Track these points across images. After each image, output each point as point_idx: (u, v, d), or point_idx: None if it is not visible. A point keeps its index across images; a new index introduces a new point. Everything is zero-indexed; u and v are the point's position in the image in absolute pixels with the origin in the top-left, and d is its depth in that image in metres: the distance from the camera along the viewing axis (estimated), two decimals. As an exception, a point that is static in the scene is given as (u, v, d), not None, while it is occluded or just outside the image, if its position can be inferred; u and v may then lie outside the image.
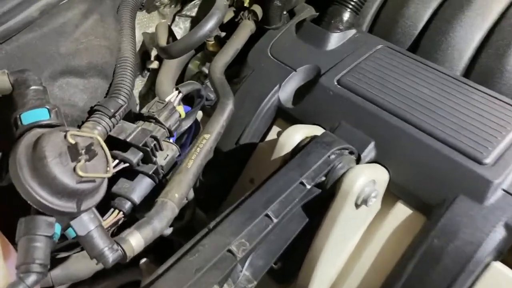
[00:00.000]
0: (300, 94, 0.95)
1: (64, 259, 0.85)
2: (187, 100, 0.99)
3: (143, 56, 1.10)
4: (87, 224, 0.57)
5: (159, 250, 0.92)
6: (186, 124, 0.89)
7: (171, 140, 0.80)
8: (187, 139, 0.93)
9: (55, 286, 0.85)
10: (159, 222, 0.65)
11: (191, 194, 0.97)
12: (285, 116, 0.94)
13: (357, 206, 0.77)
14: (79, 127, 0.67)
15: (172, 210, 0.67)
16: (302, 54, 0.97)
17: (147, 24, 1.12)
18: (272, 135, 0.96)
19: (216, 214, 1.03)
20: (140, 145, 0.67)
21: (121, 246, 0.60)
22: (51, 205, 0.52)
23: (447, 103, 0.82)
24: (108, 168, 0.57)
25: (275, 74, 0.96)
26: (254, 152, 0.96)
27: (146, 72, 1.12)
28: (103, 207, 0.73)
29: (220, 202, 1.01)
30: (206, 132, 0.80)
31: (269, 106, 0.94)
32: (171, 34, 1.06)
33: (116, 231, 0.88)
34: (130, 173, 0.74)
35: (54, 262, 0.84)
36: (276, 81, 0.95)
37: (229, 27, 1.08)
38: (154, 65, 1.09)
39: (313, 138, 0.81)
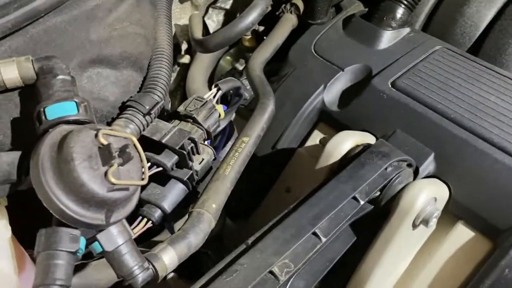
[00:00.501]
0: (346, 96, 0.86)
1: (82, 266, 0.77)
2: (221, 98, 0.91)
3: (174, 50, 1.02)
4: (116, 238, 0.49)
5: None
6: (222, 125, 0.81)
7: (206, 143, 0.71)
8: (220, 141, 0.85)
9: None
10: (195, 237, 0.56)
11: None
12: (329, 120, 0.85)
13: (414, 226, 0.68)
14: (109, 124, 0.59)
15: (209, 222, 0.59)
16: (350, 52, 0.88)
17: (179, 15, 1.05)
18: (313, 141, 0.87)
19: (248, 224, 0.96)
20: (177, 147, 0.59)
21: (152, 264, 0.51)
22: (76, 216, 0.44)
23: (519, 114, 0.73)
24: (143, 175, 0.49)
25: (319, 73, 0.87)
26: (292, 159, 0.87)
27: (176, 66, 1.04)
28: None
29: (252, 211, 0.93)
30: (245, 135, 0.72)
31: (312, 109, 0.86)
32: (204, 27, 0.98)
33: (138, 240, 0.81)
34: (161, 177, 0.66)
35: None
36: (320, 81, 0.86)
37: (268, 21, 0.99)
38: (185, 59, 1.01)
39: (366, 147, 0.72)
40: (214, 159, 0.72)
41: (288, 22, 0.95)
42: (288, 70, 0.91)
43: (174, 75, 1.05)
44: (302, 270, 0.70)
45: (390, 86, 0.80)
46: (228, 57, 1.10)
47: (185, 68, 1.03)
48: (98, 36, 0.57)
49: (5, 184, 0.48)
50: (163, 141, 0.59)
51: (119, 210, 0.48)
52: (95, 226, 0.46)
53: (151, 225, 0.64)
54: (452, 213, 0.72)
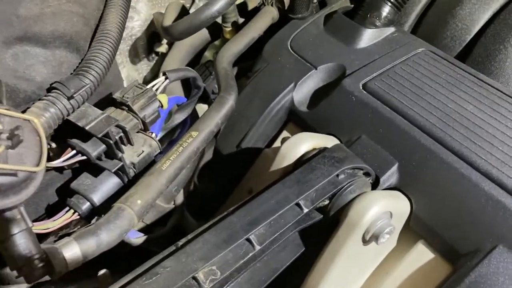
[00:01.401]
0: (318, 97, 0.80)
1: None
2: (188, 91, 0.86)
3: (152, 38, 0.98)
4: (9, 226, 0.45)
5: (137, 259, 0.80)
6: (179, 118, 0.77)
7: (153, 135, 0.67)
8: (179, 134, 0.80)
9: (11, 282, 0.74)
10: (108, 234, 0.52)
11: (180, 199, 0.85)
12: (297, 121, 0.80)
13: (365, 241, 0.61)
14: (32, 106, 0.56)
15: (129, 219, 0.55)
16: (327, 50, 0.82)
17: (162, 3, 1.01)
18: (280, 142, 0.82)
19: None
20: (99, 135, 0.54)
21: (50, 259, 0.47)
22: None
23: (497, 127, 0.65)
24: (40, 161, 0.45)
25: (291, 70, 0.81)
26: (257, 159, 0.82)
27: (153, 55, 1.00)
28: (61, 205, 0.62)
29: (215, 212, 0.88)
30: (194, 129, 0.67)
31: (280, 107, 0.80)
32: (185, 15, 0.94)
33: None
34: (94, 168, 0.62)
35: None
36: (291, 78, 0.80)
37: (250, 13, 0.94)
38: (163, 48, 0.98)
39: (322, 150, 0.66)
40: (160, 153, 0.67)
41: (268, 15, 0.90)
42: (261, 66, 0.86)
43: (151, 64, 1.01)
44: (241, 279, 0.65)
45: (361, 88, 0.74)
46: (213, 49, 1.06)
47: (163, 57, 0.99)
48: (27, 11, 0.54)
49: None
50: (87, 127, 0.55)
51: (9, 196, 0.44)
52: (-23, 212, 0.43)
53: (78, 217, 0.60)
54: (413, 230, 0.65)
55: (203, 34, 0.97)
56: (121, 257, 0.77)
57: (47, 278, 0.65)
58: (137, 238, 0.71)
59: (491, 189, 0.59)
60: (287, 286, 0.69)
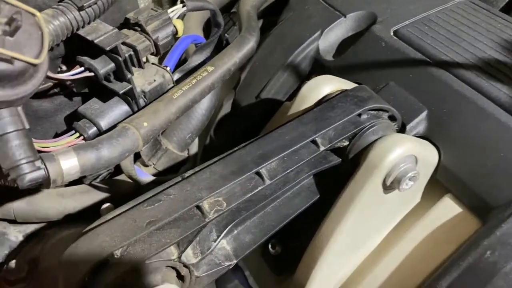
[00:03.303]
0: (345, 47, 0.75)
1: (32, 192, 0.73)
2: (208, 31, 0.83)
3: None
4: (4, 123, 0.43)
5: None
6: (197, 60, 0.73)
7: (168, 68, 0.64)
8: (197, 79, 0.77)
9: (18, 219, 0.73)
10: (109, 149, 0.49)
11: (194, 149, 0.81)
12: (321, 72, 0.75)
13: (385, 187, 0.56)
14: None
15: (133, 140, 0.51)
16: (358, -2, 0.77)
17: None
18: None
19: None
20: (108, 48, 0.52)
21: (45, 164, 0.45)
22: None
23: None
24: (40, 54, 0.43)
25: (318, 18, 0.77)
26: (277, 112, 0.78)
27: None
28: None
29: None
30: (210, 64, 0.64)
31: (305, 56, 0.76)
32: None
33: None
34: (104, 94, 0.59)
35: (20, 193, 0.72)
36: (318, 26, 0.76)
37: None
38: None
39: (343, 91, 0.61)
40: (173, 87, 0.64)
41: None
42: (287, 15, 0.81)
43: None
44: (250, 223, 0.61)
45: (392, 34, 0.69)
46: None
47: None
48: None
49: None
50: (96, 41, 0.52)
51: (4, 88, 0.42)
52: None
53: (83, 141, 0.57)
54: (439, 184, 0.59)
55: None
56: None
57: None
58: (145, 177, 0.69)
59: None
60: (299, 234, 0.65)
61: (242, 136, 0.80)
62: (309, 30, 0.76)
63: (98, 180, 0.77)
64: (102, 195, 0.76)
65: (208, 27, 0.90)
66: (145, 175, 0.69)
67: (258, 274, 0.75)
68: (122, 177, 0.78)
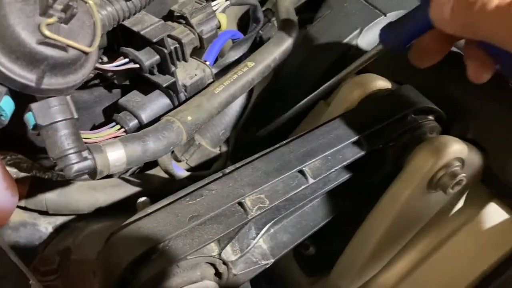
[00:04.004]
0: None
1: (64, 184, 0.73)
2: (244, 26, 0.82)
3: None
4: (54, 112, 0.42)
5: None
6: (234, 56, 0.73)
7: (207, 63, 0.63)
8: (232, 74, 0.76)
9: (49, 211, 0.73)
10: (155, 142, 0.49)
11: (226, 146, 0.80)
12: (362, 70, 0.74)
13: (430, 190, 0.55)
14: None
15: (177, 133, 0.51)
16: (398, -3, 0.76)
17: None
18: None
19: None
20: (154, 40, 0.51)
21: (93, 155, 0.44)
22: (-2, 65, 0.38)
23: None
24: (92, 43, 0.42)
25: (358, 16, 0.76)
26: (313, 111, 0.77)
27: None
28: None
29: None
30: (251, 59, 0.63)
31: (342, 54, 0.74)
32: None
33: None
34: (146, 87, 0.59)
35: (52, 185, 0.72)
36: (357, 24, 0.74)
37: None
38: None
39: (388, 90, 0.60)
40: (212, 82, 0.63)
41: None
42: (325, 12, 0.80)
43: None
44: (288, 222, 0.60)
45: (436, 33, 0.67)
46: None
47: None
48: None
49: None
50: (142, 32, 0.52)
51: (56, 76, 0.41)
52: (23, 86, 0.39)
53: (124, 133, 0.57)
54: (485, 187, 0.58)
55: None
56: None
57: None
58: (181, 173, 0.68)
59: None
60: (333, 235, 0.64)
61: (275, 134, 0.80)
62: (348, 28, 0.75)
63: (127, 174, 0.77)
64: (134, 189, 0.76)
65: (242, 23, 0.89)
66: (181, 170, 0.69)
67: (288, 274, 0.74)
68: (152, 172, 0.78)
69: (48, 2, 0.38)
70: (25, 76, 0.39)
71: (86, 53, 0.42)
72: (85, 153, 0.44)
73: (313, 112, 0.77)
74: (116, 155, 0.46)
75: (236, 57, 0.73)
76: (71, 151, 0.43)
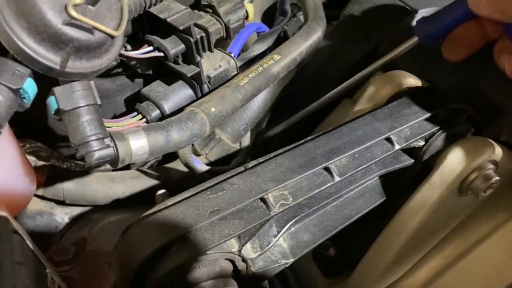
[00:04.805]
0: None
1: (83, 175, 0.72)
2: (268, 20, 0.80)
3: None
4: (77, 97, 0.41)
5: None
6: (259, 49, 0.71)
7: (232, 54, 0.62)
8: (256, 67, 0.74)
9: (66, 201, 0.72)
10: (178, 132, 0.47)
11: (246, 141, 0.79)
12: (390, 67, 0.72)
13: (462, 193, 0.53)
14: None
15: (200, 124, 0.49)
16: (430, -6, 0.73)
17: None
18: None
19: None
20: (181, 27, 0.50)
21: (115, 143, 0.43)
22: (23, 45, 0.37)
23: None
24: (119, 26, 0.41)
25: (388, 12, 0.73)
26: (337, 108, 0.75)
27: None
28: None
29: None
30: (277, 52, 0.61)
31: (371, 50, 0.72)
32: None
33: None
34: (169, 77, 0.58)
35: (70, 175, 0.71)
36: (387, 21, 0.72)
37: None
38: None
39: (419, 88, 0.58)
40: (236, 74, 0.62)
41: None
42: (353, 7, 0.78)
43: None
44: (309, 221, 0.58)
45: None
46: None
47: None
48: None
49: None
50: (168, 19, 0.50)
51: (81, 59, 0.40)
52: (47, 68, 0.38)
53: (146, 123, 0.56)
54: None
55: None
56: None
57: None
58: (200, 166, 0.66)
59: None
60: (355, 236, 0.62)
61: (296, 131, 0.78)
62: (378, 25, 0.72)
63: (145, 167, 0.76)
64: (152, 181, 0.75)
65: (266, 18, 0.88)
66: (200, 164, 0.67)
67: (305, 274, 0.72)
68: (170, 165, 0.77)
69: (76, -17, 0.37)
70: (50, 58, 0.38)
71: (112, 37, 0.41)
72: (107, 141, 0.43)
73: (338, 110, 0.75)
74: (139, 144, 0.44)
75: (260, 51, 0.71)
76: (93, 137, 0.42)
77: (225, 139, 0.75)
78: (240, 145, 0.78)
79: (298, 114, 0.76)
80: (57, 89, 0.41)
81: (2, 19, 0.37)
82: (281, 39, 0.75)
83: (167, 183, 0.75)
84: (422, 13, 0.71)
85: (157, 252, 0.44)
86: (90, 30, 0.38)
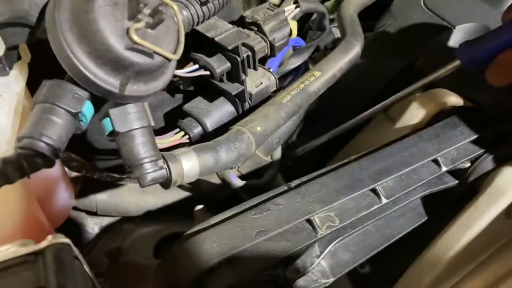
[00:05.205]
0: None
1: (115, 186, 0.72)
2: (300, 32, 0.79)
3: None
4: (131, 119, 0.41)
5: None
6: (294, 63, 0.71)
7: (271, 70, 0.61)
8: (291, 82, 0.74)
9: (98, 212, 0.72)
10: (227, 153, 0.47)
11: (278, 154, 0.78)
12: (430, 85, 0.71)
13: (509, 216, 0.52)
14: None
15: (247, 144, 0.49)
16: (467, 9, 0.73)
17: None
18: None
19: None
20: (230, 47, 0.49)
21: (168, 164, 0.43)
22: (84, 69, 0.37)
23: None
24: (177, 50, 0.40)
25: (424, 27, 0.73)
26: (371, 123, 0.74)
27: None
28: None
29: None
30: (317, 69, 0.60)
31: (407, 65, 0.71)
32: None
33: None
34: (210, 93, 0.57)
35: (103, 186, 0.71)
36: (423, 36, 0.71)
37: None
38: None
39: (464, 108, 0.57)
40: (276, 90, 0.61)
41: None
42: (388, 21, 0.77)
43: None
44: (350, 240, 0.57)
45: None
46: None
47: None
48: None
49: (22, 27, 0.42)
50: (216, 38, 0.50)
51: (139, 82, 0.40)
52: (106, 92, 0.38)
53: (188, 140, 0.55)
54: None
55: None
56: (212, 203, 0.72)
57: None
58: (237, 181, 0.66)
59: None
60: (392, 255, 0.61)
61: (331, 145, 0.77)
62: (415, 41, 0.72)
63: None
64: (183, 193, 0.75)
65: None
66: (236, 179, 0.67)
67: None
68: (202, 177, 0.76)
69: (139, 7, 0.37)
70: (110, 81, 0.38)
71: (169, 60, 0.41)
72: (160, 162, 0.42)
73: (372, 127, 0.74)
74: (190, 165, 0.44)
75: (295, 65, 0.71)
76: (147, 160, 0.41)
77: (258, 152, 0.74)
78: (271, 158, 0.78)
79: (331, 132, 0.75)
80: (112, 111, 0.40)
81: (64, 42, 0.36)
82: (313, 53, 0.75)
83: (198, 195, 0.75)
84: (459, 29, 0.71)
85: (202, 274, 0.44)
86: (150, 54, 0.38)
